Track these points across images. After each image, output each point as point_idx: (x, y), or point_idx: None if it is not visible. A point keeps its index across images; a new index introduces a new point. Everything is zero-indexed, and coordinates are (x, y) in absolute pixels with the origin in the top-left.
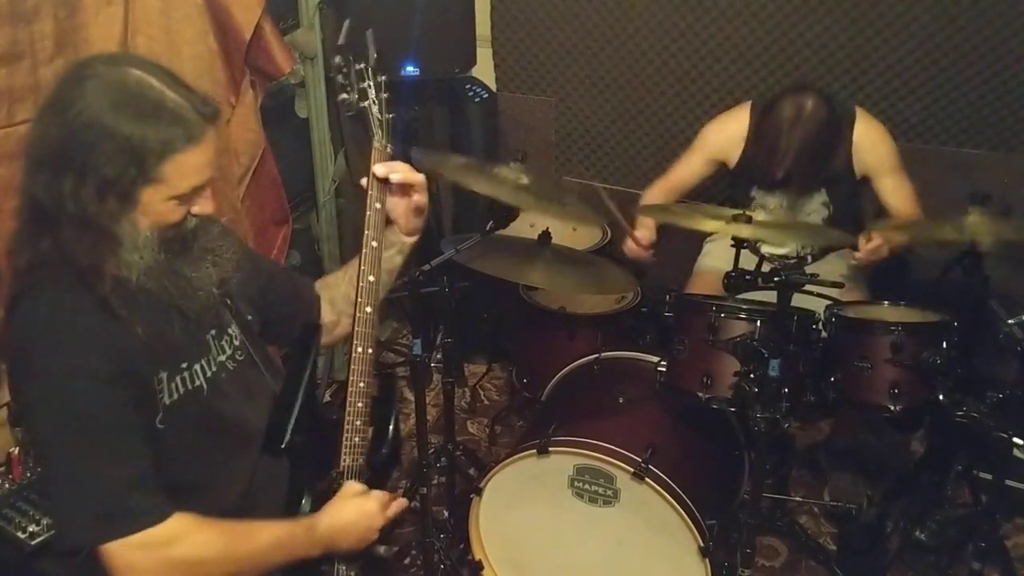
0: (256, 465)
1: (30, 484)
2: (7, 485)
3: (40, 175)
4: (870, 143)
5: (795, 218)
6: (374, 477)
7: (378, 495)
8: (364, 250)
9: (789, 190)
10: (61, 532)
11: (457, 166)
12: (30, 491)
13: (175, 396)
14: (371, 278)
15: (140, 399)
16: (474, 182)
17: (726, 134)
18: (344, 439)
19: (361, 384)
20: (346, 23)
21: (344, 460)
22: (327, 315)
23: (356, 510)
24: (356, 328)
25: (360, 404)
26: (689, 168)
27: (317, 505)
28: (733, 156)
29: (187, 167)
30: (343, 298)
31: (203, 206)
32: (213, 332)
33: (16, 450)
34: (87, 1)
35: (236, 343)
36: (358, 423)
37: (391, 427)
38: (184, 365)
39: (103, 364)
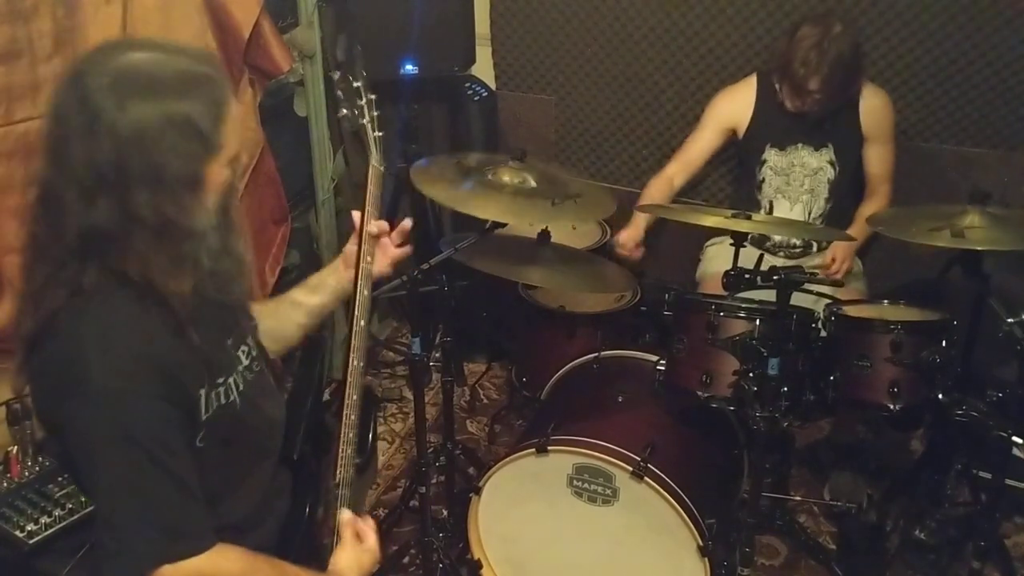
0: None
1: (28, 483)
2: (6, 484)
3: (101, 201)
4: (877, 105)
5: (805, 174)
6: (357, 486)
7: (373, 534)
8: (361, 264)
9: (811, 114)
10: (117, 555)
11: (456, 192)
12: (28, 490)
13: (210, 412)
14: (366, 292)
15: (186, 417)
16: (476, 207)
17: (736, 101)
18: (340, 451)
19: (355, 397)
20: (341, 37)
21: (340, 472)
22: None
23: (371, 558)
24: (353, 342)
25: (354, 417)
26: (702, 141)
27: (316, 514)
28: (743, 122)
29: (236, 121)
30: (268, 336)
31: (242, 159)
32: (230, 341)
33: (15, 449)
34: (86, 0)
35: (254, 353)
36: (351, 435)
37: (369, 436)
38: (220, 380)
39: (157, 382)
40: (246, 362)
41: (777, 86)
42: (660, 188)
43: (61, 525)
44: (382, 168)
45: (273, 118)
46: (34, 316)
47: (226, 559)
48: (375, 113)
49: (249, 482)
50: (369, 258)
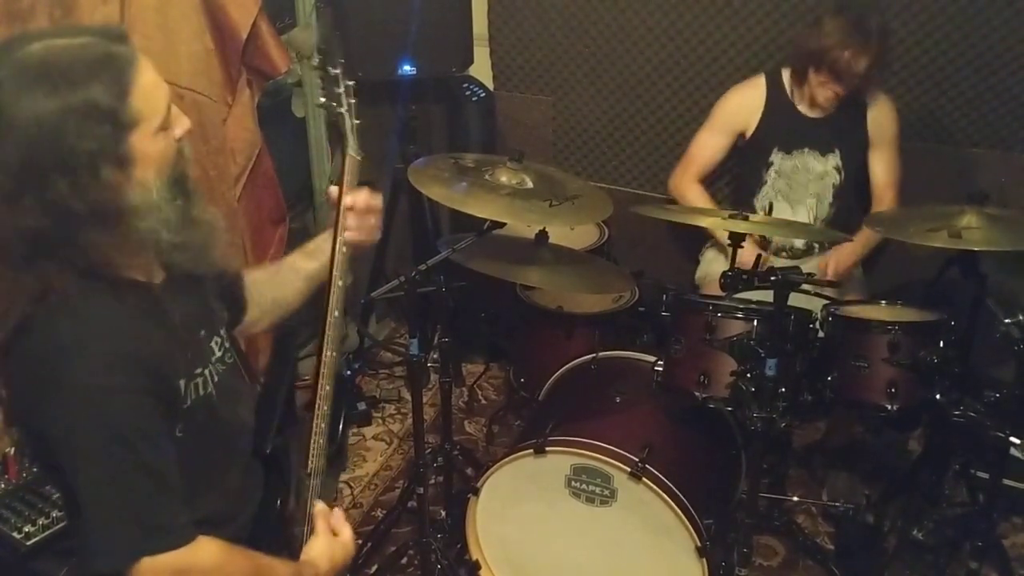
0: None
1: (26, 484)
2: (3, 485)
3: (25, 202)
4: (884, 111)
5: (811, 179)
6: (329, 475)
7: (348, 528)
8: (335, 255)
9: (849, 84)
10: (98, 549)
11: (454, 192)
12: (26, 491)
13: (188, 403)
14: (340, 283)
15: (167, 408)
16: (474, 207)
17: (746, 102)
18: (312, 441)
19: (328, 387)
20: (318, 24)
21: (311, 462)
22: (251, 313)
23: (345, 552)
24: (327, 332)
25: (326, 407)
26: (713, 144)
27: (288, 505)
28: (752, 123)
29: (149, 88)
30: (270, 301)
31: (181, 124)
32: (203, 332)
33: (12, 450)
34: (83, 0)
35: (227, 345)
36: (323, 425)
37: (340, 424)
38: (198, 371)
39: (138, 375)
40: (219, 353)
41: (789, 89)
42: (700, 193)
43: (58, 527)
44: (359, 157)
45: (271, 119)
46: (4, 324)
47: (205, 551)
48: (352, 101)
49: (224, 477)
50: (344, 248)
